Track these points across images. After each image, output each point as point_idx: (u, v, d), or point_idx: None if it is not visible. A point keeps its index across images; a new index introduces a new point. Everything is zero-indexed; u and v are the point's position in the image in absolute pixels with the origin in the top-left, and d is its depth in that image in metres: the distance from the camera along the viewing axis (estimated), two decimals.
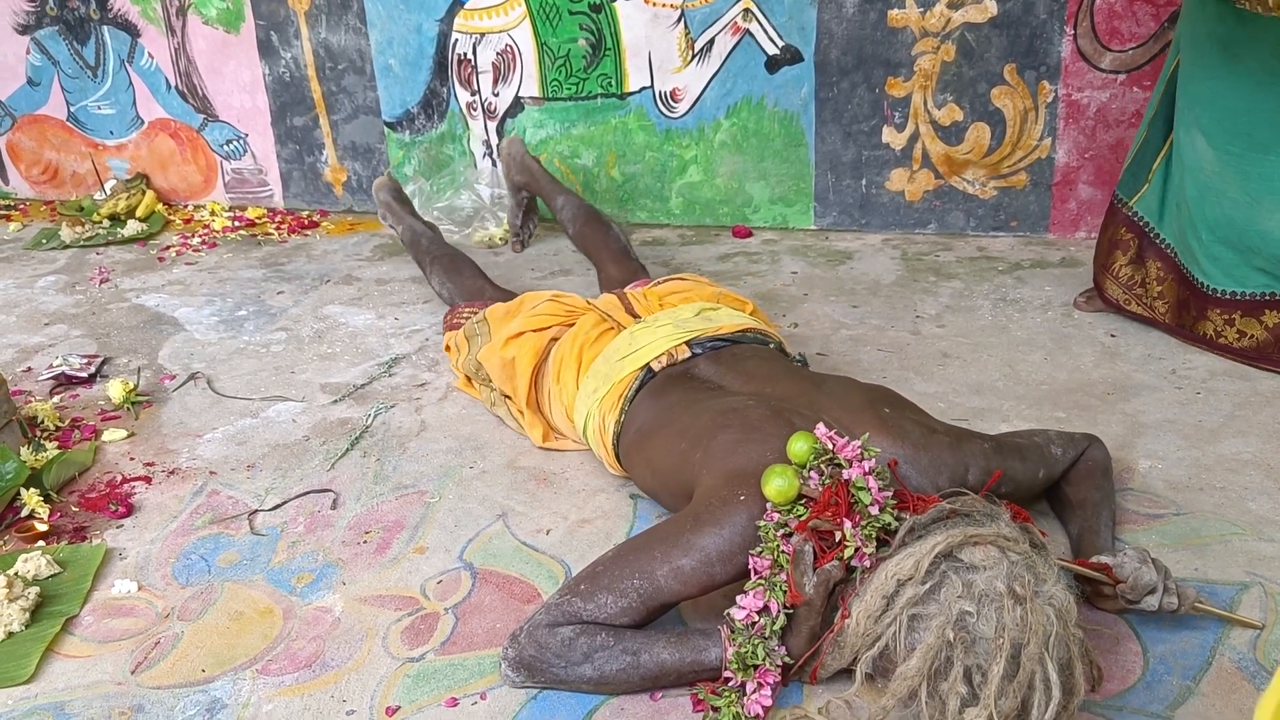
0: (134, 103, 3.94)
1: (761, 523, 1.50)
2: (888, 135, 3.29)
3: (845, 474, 1.47)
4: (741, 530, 1.51)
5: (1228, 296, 2.36)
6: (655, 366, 1.96)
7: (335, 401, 2.43)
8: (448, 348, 2.51)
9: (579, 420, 2.04)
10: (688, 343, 1.98)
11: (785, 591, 1.45)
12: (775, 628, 1.45)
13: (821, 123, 3.33)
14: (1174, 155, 2.45)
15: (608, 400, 1.96)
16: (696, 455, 1.68)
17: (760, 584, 1.46)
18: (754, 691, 1.44)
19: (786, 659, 1.47)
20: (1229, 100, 2.27)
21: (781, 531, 1.47)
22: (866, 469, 1.47)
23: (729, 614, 1.47)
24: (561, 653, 1.50)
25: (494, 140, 3.65)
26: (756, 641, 1.44)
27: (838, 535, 1.44)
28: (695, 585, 1.52)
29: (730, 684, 1.46)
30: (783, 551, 1.46)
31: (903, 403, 1.76)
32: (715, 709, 1.46)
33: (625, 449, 1.93)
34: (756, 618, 1.45)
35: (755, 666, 1.45)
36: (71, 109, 4.02)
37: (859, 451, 1.50)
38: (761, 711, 1.44)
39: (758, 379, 1.86)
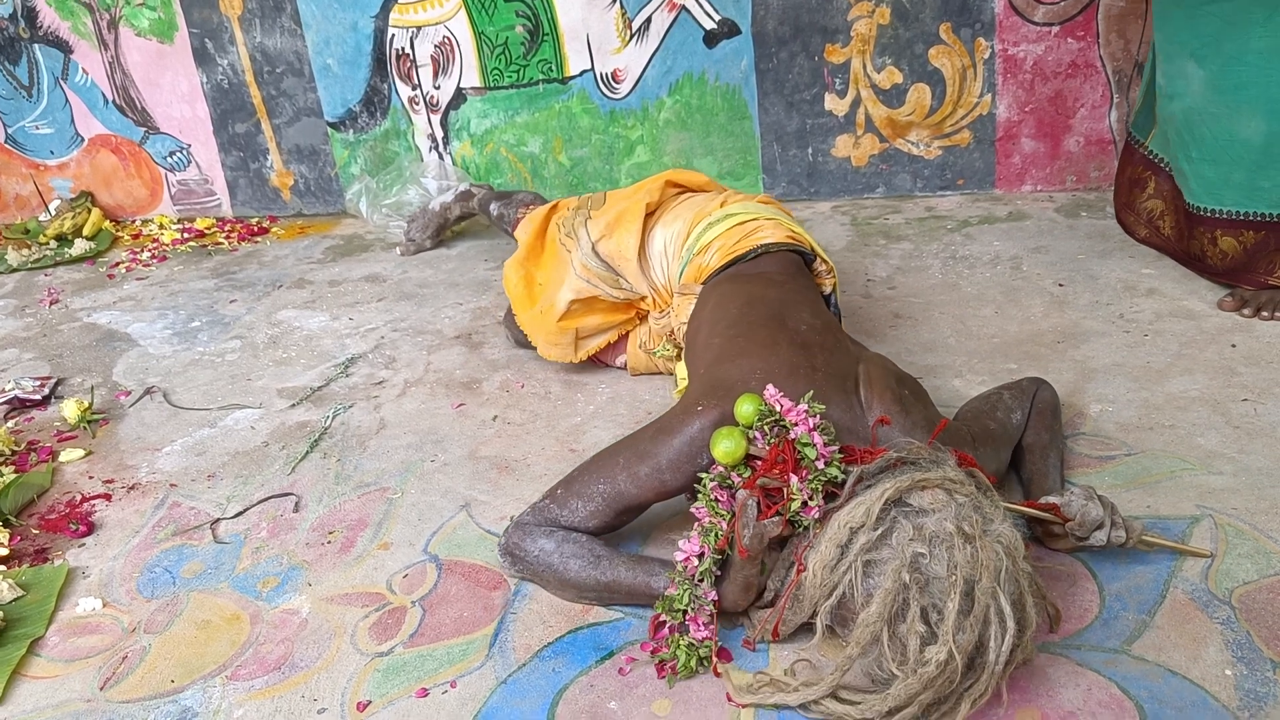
0: (72, 120, 3.89)
1: (703, 475, 1.55)
2: (830, 102, 3.30)
3: (791, 433, 1.49)
4: (690, 440, 1.59)
5: (1209, 214, 2.42)
6: (803, 246, 2.10)
7: (293, 405, 2.43)
8: (553, 208, 2.50)
9: (718, 214, 2.17)
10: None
11: (717, 537, 1.51)
12: (702, 570, 1.51)
13: (764, 94, 3.34)
14: (1160, 88, 2.52)
15: (768, 226, 2.11)
16: (715, 341, 1.82)
17: (698, 532, 1.52)
18: (692, 630, 1.52)
19: (711, 606, 1.52)
20: (1203, 21, 2.32)
21: (714, 482, 1.53)
22: (811, 425, 1.49)
23: (674, 557, 1.55)
24: (538, 549, 1.66)
25: (439, 134, 3.64)
26: (685, 586, 1.51)
27: (786, 492, 1.46)
28: (650, 491, 1.63)
29: (671, 633, 1.52)
30: (714, 500, 1.52)
31: (923, 393, 1.76)
32: (674, 662, 1.50)
33: (722, 280, 2.04)
34: (695, 561, 1.51)
35: (684, 611, 1.52)
36: (9, 130, 3.97)
37: (804, 412, 1.51)
38: (707, 634, 1.51)
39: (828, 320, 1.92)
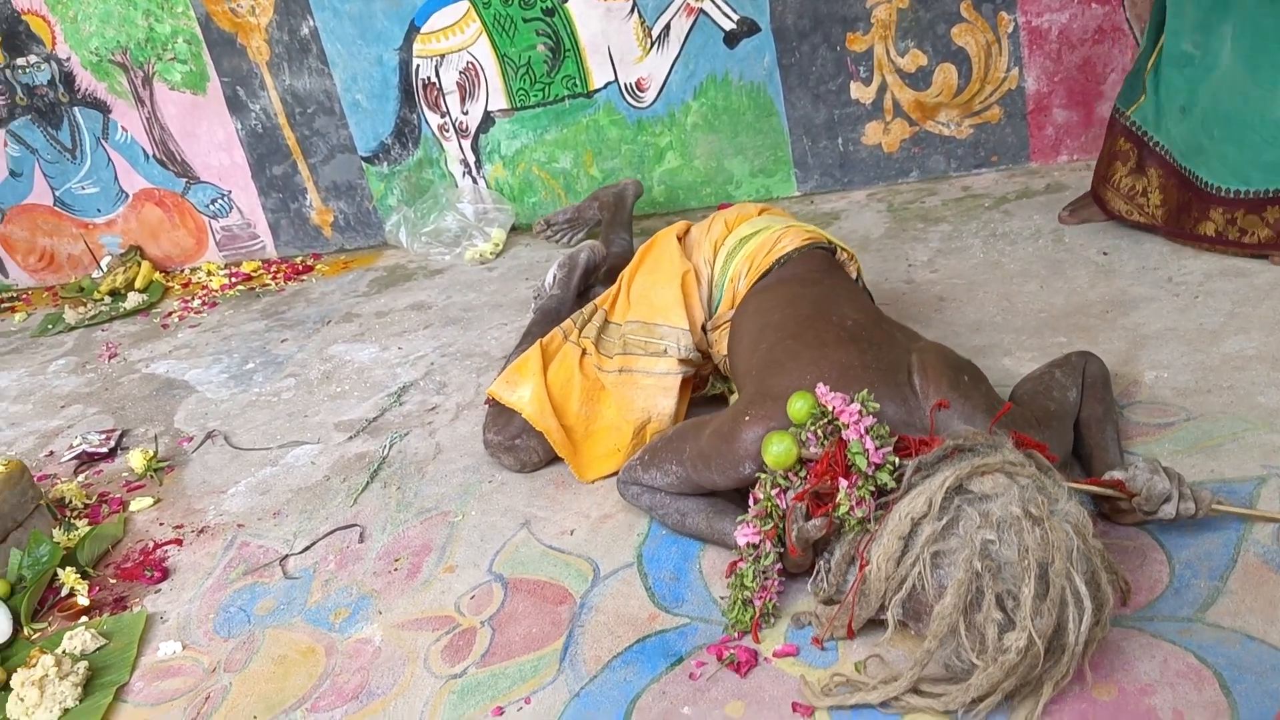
0: (115, 178, 3.99)
1: (761, 475, 1.59)
2: (856, 91, 3.29)
3: (844, 434, 1.49)
4: (737, 455, 1.65)
5: (1232, 195, 2.36)
6: (827, 243, 2.14)
7: (350, 438, 2.46)
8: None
9: (731, 240, 2.17)
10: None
11: (772, 523, 1.59)
12: (766, 562, 1.59)
13: (789, 89, 3.33)
14: (1167, 59, 2.45)
15: (787, 235, 2.10)
16: (762, 346, 1.83)
17: (755, 520, 1.60)
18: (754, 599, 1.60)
19: (776, 575, 1.61)
20: None
21: (777, 489, 1.57)
22: (864, 429, 1.48)
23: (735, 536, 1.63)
24: (630, 495, 1.89)
25: (470, 159, 3.67)
26: (751, 565, 1.59)
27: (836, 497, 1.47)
28: (706, 484, 1.74)
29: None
30: (771, 495, 1.58)
31: (982, 378, 1.71)
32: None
33: (757, 290, 2.05)
34: (753, 549, 1.59)
35: (752, 590, 1.59)
36: (56, 193, 4.07)
37: (857, 412, 1.50)
38: (764, 596, 1.60)
39: (873, 313, 1.92)
